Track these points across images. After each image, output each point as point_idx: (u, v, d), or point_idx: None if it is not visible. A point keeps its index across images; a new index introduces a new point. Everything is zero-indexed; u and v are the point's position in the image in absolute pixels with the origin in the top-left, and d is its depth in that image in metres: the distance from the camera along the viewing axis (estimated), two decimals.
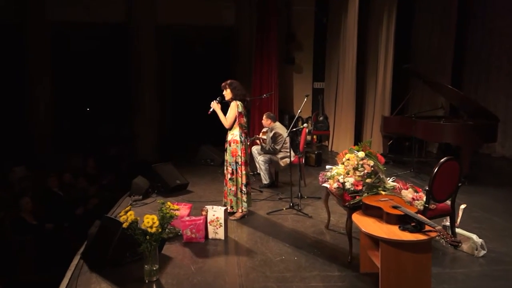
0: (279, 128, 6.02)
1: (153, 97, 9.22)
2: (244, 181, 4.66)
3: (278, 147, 5.74)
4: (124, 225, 3.24)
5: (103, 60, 10.70)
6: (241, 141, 4.64)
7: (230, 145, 4.66)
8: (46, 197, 6.22)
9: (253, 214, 4.92)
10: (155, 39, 9.13)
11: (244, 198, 4.67)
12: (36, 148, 8.73)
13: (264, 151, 6.00)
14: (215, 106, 4.66)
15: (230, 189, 4.69)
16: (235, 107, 4.62)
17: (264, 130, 6.40)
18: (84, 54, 10.75)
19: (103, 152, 8.80)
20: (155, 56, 9.21)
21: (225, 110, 4.71)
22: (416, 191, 3.69)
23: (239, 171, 4.64)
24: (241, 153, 4.63)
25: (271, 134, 5.96)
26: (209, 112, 4.71)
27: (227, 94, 4.69)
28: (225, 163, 4.76)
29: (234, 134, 4.65)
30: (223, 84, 4.73)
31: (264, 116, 6.18)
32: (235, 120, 4.63)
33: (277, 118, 6.40)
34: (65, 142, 9.19)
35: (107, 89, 10.90)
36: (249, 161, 4.86)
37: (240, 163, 4.63)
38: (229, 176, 4.68)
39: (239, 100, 4.65)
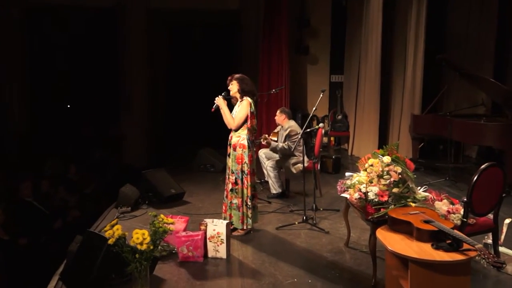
0: (295, 127, 6.00)
1: (144, 92, 9.25)
2: (249, 194, 4.62)
3: (293, 147, 5.69)
4: (110, 241, 3.25)
5: (87, 50, 10.75)
6: (248, 146, 4.59)
7: (235, 150, 4.62)
8: (20, 208, 6.24)
9: (260, 229, 4.92)
10: (147, 25, 9.16)
11: (249, 213, 4.63)
12: (8, 151, 8.77)
13: (275, 150, 5.96)
14: (220, 102, 4.63)
15: (231, 202, 4.65)
16: (247, 106, 4.56)
17: (275, 130, 6.39)
18: (64, 42, 10.80)
19: (85, 156, 8.83)
20: (147, 45, 9.24)
21: (229, 108, 4.69)
22: (452, 203, 3.67)
23: (245, 182, 4.60)
24: (248, 160, 4.60)
25: (285, 133, 5.93)
26: (213, 109, 4.69)
27: (233, 88, 4.67)
28: (226, 171, 4.74)
29: (241, 137, 4.61)
30: (229, 78, 4.71)
31: (278, 112, 6.15)
32: (244, 121, 4.60)
33: None
34: (42, 144, 9.23)
35: (91, 83, 10.93)
36: (256, 168, 4.83)
37: (246, 172, 4.59)
38: (230, 186, 4.65)
39: (250, 97, 4.61)
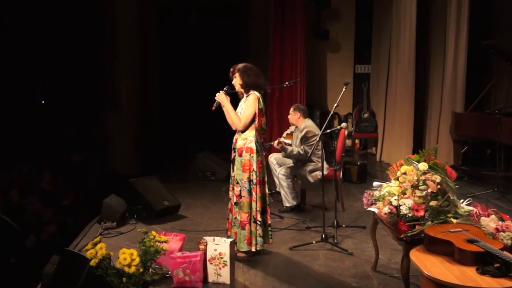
0: (312, 127, 6.00)
1: (132, 86, 9.28)
2: (259, 208, 4.60)
3: (310, 151, 5.67)
4: (92, 263, 3.27)
5: (65, 34, 10.80)
6: (257, 150, 4.58)
7: (241, 155, 4.61)
8: None
9: (271, 249, 4.91)
10: (135, 5, 9.20)
11: (260, 231, 4.61)
12: None
13: (290, 156, 5.97)
14: (222, 98, 4.64)
15: (236, 218, 4.63)
16: (254, 102, 4.56)
17: (288, 131, 6.39)
18: (36, 25, 10.85)
19: (63, 161, 8.87)
20: (136, 28, 9.28)
21: (233, 105, 4.71)
22: (501, 219, 3.65)
23: (253, 193, 4.58)
24: (257, 167, 4.59)
25: (301, 134, 5.93)
26: (214, 108, 4.70)
27: (236, 82, 4.67)
28: (230, 180, 4.74)
29: (248, 140, 4.60)
30: (231, 69, 4.72)
31: (292, 110, 6.16)
32: (252, 120, 4.59)
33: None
34: (12, 147, 9.29)
35: (69, 74, 10.98)
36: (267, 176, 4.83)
37: (255, 181, 4.58)
38: (235, 199, 4.64)
39: (258, 91, 4.61)
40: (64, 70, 10.76)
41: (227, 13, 10.83)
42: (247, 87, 4.63)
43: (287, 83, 7.19)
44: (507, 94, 8.68)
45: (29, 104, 10.99)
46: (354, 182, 7.56)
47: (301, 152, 5.83)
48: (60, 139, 10.07)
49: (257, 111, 4.57)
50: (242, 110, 4.64)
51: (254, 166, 4.57)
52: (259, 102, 4.58)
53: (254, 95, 4.59)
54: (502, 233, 3.49)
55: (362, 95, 9.91)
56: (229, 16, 10.77)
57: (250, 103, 4.58)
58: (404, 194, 3.66)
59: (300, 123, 6.06)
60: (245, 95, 4.70)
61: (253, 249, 4.63)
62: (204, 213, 6.20)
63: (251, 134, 4.61)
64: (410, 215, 3.56)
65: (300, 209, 6.15)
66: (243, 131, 4.63)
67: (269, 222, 4.79)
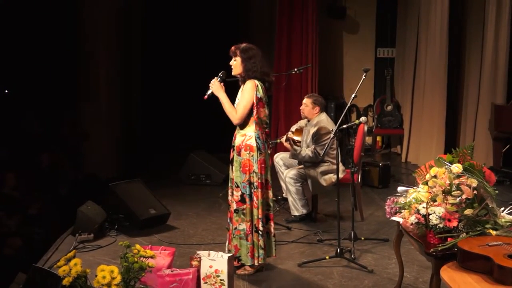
0: (326, 122, 6.01)
1: (113, 71, 9.29)
2: (261, 215, 4.64)
3: (322, 153, 5.69)
4: (65, 282, 3.28)
5: (32, 15, 10.81)
6: (258, 148, 4.61)
7: (239, 154, 4.65)
8: None
9: (276, 265, 4.94)
10: None
11: (261, 242, 4.65)
12: None
13: (297, 157, 5.99)
14: (216, 87, 4.69)
15: (236, 228, 4.67)
16: (252, 90, 4.60)
17: (297, 126, 6.38)
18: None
19: (29, 162, 8.89)
20: (116, 7, 9.27)
21: (232, 97, 4.73)
22: None
23: (255, 199, 4.62)
24: (259, 167, 4.61)
25: (313, 130, 5.94)
26: (206, 97, 4.73)
27: (236, 66, 4.71)
28: (229, 183, 4.78)
29: (248, 135, 4.63)
30: (232, 48, 4.74)
31: (310, 101, 6.10)
32: (250, 112, 4.63)
33: None
34: None
35: (38, 61, 10.99)
36: (272, 180, 4.85)
37: (256, 184, 4.61)
38: (235, 205, 4.67)
39: (258, 79, 4.65)
40: (31, 57, 10.77)
41: None
42: (248, 74, 4.66)
43: (295, 69, 7.19)
44: None
45: None
46: (375, 187, 7.59)
47: (311, 155, 5.83)
48: (27, 135, 10.08)
49: (255, 101, 4.60)
50: (238, 100, 4.68)
51: (255, 167, 4.60)
52: (257, 90, 4.61)
53: (252, 82, 4.61)
54: None
55: (385, 84, 9.90)
56: None
57: (246, 92, 4.61)
58: (434, 201, 3.66)
59: (315, 118, 6.04)
60: (242, 84, 4.72)
61: (256, 263, 4.66)
62: (197, 224, 6.21)
63: (250, 129, 4.64)
64: (441, 225, 3.56)
65: (311, 219, 6.17)
66: (241, 126, 4.66)
67: (273, 232, 4.81)
